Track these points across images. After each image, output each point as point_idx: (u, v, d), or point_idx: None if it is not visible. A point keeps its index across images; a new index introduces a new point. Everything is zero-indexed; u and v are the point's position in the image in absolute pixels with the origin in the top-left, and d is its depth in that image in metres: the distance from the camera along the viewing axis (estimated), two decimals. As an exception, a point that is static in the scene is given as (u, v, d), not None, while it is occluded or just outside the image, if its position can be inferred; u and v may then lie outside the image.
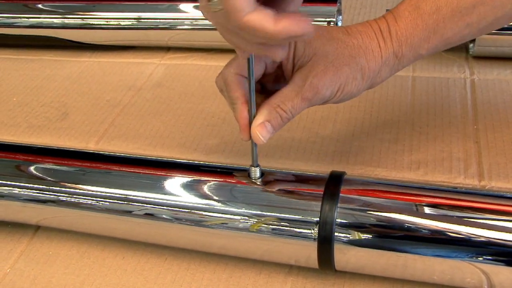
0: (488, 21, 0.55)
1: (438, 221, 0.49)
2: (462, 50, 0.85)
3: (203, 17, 0.89)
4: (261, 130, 0.51)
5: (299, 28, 0.41)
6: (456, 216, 0.49)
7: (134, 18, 0.92)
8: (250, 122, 0.52)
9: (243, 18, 0.40)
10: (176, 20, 0.92)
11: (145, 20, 0.92)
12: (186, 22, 0.91)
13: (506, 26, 0.77)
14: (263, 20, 0.41)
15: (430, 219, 0.49)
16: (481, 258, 0.48)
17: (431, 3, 0.53)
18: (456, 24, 0.54)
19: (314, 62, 0.52)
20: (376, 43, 0.54)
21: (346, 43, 0.53)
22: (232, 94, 0.52)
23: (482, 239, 0.48)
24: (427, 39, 0.54)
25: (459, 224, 0.48)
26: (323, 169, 0.66)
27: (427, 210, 0.50)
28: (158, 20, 0.92)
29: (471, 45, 0.83)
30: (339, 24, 0.88)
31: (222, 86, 0.54)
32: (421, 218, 0.49)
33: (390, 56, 0.54)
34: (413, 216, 0.49)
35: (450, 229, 0.48)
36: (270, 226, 0.52)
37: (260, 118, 0.51)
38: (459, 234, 0.48)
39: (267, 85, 0.55)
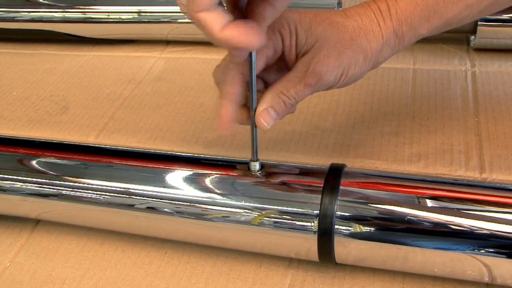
0: (488, 2, 0.55)
1: (439, 213, 0.49)
2: (463, 42, 0.85)
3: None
4: (265, 116, 0.51)
5: (244, 39, 0.42)
6: (457, 209, 0.49)
7: (135, 12, 0.92)
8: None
9: (197, 13, 0.41)
10: (176, 14, 0.91)
11: (145, 14, 0.92)
12: (186, 15, 0.91)
13: (507, 18, 0.77)
14: (212, 22, 0.41)
15: (431, 212, 0.49)
16: (482, 251, 0.48)
17: None
18: (456, 5, 0.54)
19: (316, 48, 0.52)
20: (376, 23, 0.54)
21: (346, 27, 0.53)
22: (227, 88, 0.51)
23: (483, 231, 0.48)
24: (428, 18, 0.54)
25: (460, 217, 0.48)
26: (323, 162, 0.65)
27: (427, 202, 0.50)
28: (158, 14, 0.92)
29: (472, 37, 0.82)
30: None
31: (219, 79, 0.53)
32: (422, 210, 0.49)
33: (390, 35, 0.54)
34: (414, 209, 0.49)
35: (451, 222, 0.48)
36: (270, 219, 0.52)
37: (263, 104, 0.51)
38: (460, 227, 0.48)
39: (270, 77, 0.55)
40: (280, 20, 0.51)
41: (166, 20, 0.92)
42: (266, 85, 0.55)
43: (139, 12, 0.92)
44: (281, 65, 0.54)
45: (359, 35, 0.53)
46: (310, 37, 0.52)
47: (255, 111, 0.51)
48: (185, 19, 0.91)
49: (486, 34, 0.79)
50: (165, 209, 0.55)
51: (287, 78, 0.52)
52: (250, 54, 0.48)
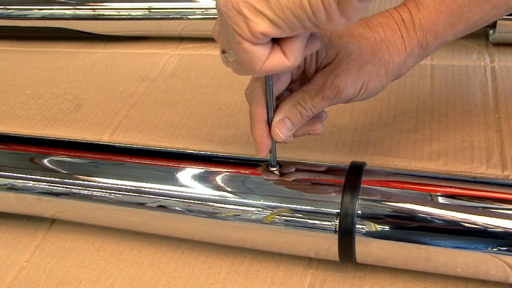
0: None
1: (461, 212, 0.48)
2: (481, 37, 0.83)
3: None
4: (280, 126, 0.49)
5: (282, 64, 0.42)
6: (479, 207, 0.48)
7: (145, 8, 0.92)
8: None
9: (260, 68, 0.42)
10: (188, 10, 0.91)
11: (157, 10, 0.91)
12: (198, 11, 0.90)
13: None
14: (279, 62, 0.42)
15: (453, 211, 0.48)
16: (506, 251, 0.47)
17: None
18: (481, 8, 0.52)
19: (336, 62, 0.50)
20: (399, 35, 0.52)
21: (368, 39, 0.51)
22: (252, 108, 0.51)
23: (507, 230, 0.47)
24: (452, 25, 0.52)
25: (483, 215, 0.47)
26: (341, 159, 0.64)
27: (449, 201, 0.49)
28: (170, 10, 0.91)
29: (491, 31, 0.81)
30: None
31: (248, 100, 0.52)
32: (444, 209, 0.48)
33: (414, 46, 0.52)
34: (436, 208, 0.48)
35: (474, 221, 0.47)
36: (289, 218, 0.51)
37: (280, 114, 0.50)
38: (483, 226, 0.47)
39: (295, 89, 0.54)
40: None
41: (178, 16, 0.91)
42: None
43: (149, 9, 0.92)
44: (304, 78, 0.53)
45: (381, 49, 0.51)
46: (330, 50, 0.50)
47: (271, 121, 0.50)
48: (197, 15, 0.90)
49: (506, 28, 0.78)
50: (181, 209, 0.54)
51: (305, 90, 0.51)
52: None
